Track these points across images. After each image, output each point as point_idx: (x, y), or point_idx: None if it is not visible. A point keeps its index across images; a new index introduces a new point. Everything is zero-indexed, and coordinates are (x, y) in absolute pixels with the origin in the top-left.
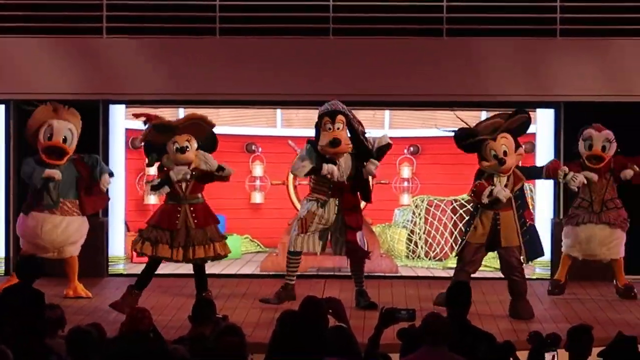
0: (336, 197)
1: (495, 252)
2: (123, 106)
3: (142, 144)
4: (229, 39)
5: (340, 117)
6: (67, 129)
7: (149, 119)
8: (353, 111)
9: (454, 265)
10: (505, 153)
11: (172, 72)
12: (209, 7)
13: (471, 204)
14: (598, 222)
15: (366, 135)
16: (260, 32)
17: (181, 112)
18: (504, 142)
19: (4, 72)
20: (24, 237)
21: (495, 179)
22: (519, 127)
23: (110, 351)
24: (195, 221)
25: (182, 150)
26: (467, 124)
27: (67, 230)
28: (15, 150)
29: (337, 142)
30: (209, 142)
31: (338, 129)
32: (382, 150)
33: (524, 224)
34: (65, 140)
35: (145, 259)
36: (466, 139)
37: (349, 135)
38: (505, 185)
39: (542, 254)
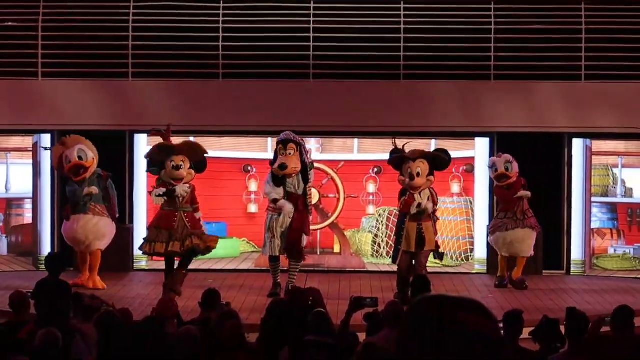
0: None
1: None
2: (145, 136)
3: (146, 158)
4: (230, 82)
5: (291, 145)
6: (77, 150)
7: (160, 135)
8: (328, 138)
9: None
10: (418, 174)
11: (185, 108)
12: (214, 57)
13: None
14: (523, 227)
15: (311, 162)
16: (255, 76)
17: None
18: (419, 166)
19: (50, 108)
20: (65, 235)
21: (416, 195)
22: (439, 162)
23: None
24: (189, 224)
25: (177, 168)
26: (399, 147)
27: (97, 225)
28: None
29: (284, 167)
30: (200, 164)
31: (289, 154)
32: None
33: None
34: (80, 158)
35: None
36: (396, 157)
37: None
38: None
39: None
